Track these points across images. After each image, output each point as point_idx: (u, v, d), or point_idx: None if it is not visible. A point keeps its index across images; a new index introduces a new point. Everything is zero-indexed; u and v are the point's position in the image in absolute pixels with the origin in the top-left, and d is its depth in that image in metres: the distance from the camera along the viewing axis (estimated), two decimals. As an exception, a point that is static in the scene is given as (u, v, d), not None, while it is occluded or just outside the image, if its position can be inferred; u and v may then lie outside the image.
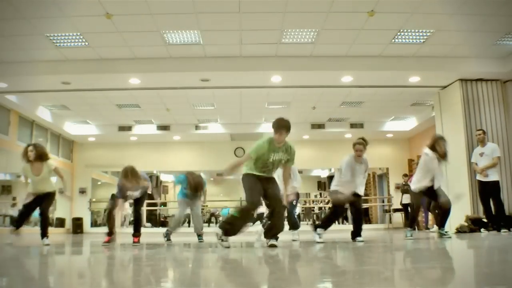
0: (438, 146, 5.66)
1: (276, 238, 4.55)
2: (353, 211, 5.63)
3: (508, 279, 2.03)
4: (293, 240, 5.99)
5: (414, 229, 6.10)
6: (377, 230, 11.23)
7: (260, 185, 4.49)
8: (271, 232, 4.55)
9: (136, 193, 5.92)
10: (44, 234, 5.73)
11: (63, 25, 6.71)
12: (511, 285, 1.90)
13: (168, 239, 6.17)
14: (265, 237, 4.60)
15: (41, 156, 5.84)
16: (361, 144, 5.42)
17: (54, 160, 11.38)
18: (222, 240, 4.45)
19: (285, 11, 6.43)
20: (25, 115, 10.64)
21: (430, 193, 5.75)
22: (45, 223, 5.83)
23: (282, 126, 4.43)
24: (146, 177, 6.00)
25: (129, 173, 5.57)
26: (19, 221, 5.94)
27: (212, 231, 6.06)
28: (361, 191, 5.46)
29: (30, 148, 5.84)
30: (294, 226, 6.35)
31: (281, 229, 4.58)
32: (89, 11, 6.30)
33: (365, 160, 5.53)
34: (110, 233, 5.78)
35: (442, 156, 5.65)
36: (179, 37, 7.24)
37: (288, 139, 4.64)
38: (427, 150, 5.72)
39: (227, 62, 8.07)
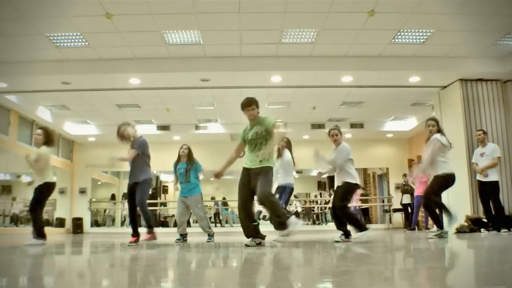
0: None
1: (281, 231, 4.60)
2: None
3: (508, 279, 2.03)
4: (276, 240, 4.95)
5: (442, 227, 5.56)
6: (377, 230, 11.22)
7: (247, 186, 4.71)
8: (279, 225, 4.64)
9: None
10: (38, 234, 5.47)
11: (63, 25, 6.72)
12: (511, 285, 1.90)
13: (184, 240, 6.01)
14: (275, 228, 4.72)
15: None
16: (335, 129, 5.38)
17: (54, 160, 11.39)
18: (247, 246, 4.59)
19: (285, 11, 6.43)
20: (25, 115, 10.64)
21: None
22: (33, 223, 5.54)
23: (243, 106, 5.03)
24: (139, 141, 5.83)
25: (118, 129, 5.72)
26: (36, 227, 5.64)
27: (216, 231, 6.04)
28: (343, 179, 5.25)
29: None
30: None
31: (277, 217, 4.62)
32: (89, 11, 6.31)
33: (342, 146, 5.34)
34: (136, 233, 5.47)
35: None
36: (179, 37, 7.24)
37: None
38: (438, 136, 5.54)
39: (227, 62, 8.08)
